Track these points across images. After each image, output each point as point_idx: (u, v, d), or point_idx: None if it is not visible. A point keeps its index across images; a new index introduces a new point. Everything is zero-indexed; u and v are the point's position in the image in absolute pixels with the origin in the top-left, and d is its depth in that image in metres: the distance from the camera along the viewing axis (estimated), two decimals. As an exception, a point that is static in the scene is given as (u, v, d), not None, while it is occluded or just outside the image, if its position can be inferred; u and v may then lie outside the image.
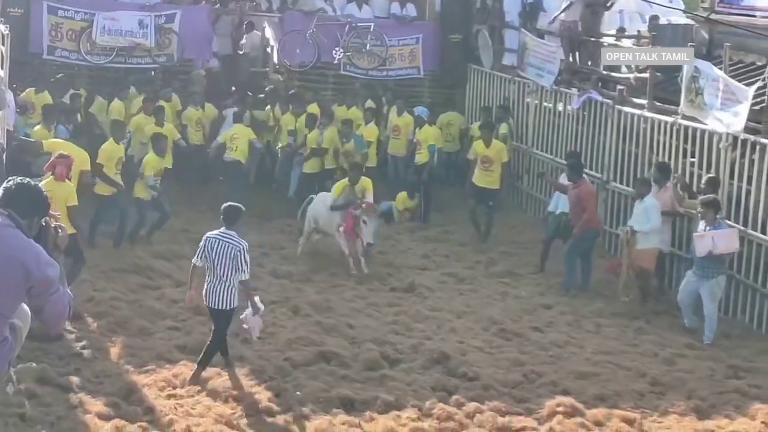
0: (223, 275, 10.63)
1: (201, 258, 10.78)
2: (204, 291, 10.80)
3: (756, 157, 13.83)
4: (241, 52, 21.99)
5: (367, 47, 20.95)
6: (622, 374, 11.95)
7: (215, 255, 10.65)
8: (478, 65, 21.23)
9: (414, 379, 11.26)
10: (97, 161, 14.70)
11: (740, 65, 16.11)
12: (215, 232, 10.79)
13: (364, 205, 15.39)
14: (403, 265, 16.04)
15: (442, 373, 11.55)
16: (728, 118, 14.19)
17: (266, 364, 11.37)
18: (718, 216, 13.20)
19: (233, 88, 21.40)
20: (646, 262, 14.36)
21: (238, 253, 10.60)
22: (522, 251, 16.95)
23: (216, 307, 10.74)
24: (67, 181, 12.43)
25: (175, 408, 10.12)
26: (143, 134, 17.29)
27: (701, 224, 13.25)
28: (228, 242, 10.63)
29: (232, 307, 10.77)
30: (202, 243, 10.85)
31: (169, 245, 15.70)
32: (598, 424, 10.50)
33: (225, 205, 11.00)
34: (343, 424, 9.98)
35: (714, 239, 12.95)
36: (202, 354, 10.83)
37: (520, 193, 19.78)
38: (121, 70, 20.00)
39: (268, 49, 22.21)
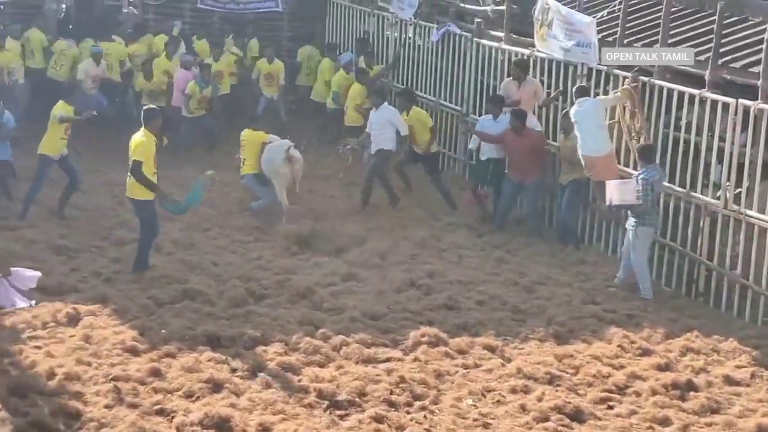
0: None
1: None
2: None
3: (610, 87, 14.15)
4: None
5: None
6: (485, 303, 12.18)
7: None
8: (338, -2, 21.12)
9: (280, 314, 11.25)
10: None
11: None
12: None
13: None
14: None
15: (308, 307, 11.59)
16: (579, 51, 14.36)
17: (130, 303, 11.25)
18: (646, 163, 12.58)
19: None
20: None
21: None
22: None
23: None
24: None
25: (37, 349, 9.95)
26: None
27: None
28: None
29: None
30: None
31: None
32: (462, 352, 10.69)
33: None
34: (209, 360, 9.93)
35: (612, 189, 12.57)
36: None
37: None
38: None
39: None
